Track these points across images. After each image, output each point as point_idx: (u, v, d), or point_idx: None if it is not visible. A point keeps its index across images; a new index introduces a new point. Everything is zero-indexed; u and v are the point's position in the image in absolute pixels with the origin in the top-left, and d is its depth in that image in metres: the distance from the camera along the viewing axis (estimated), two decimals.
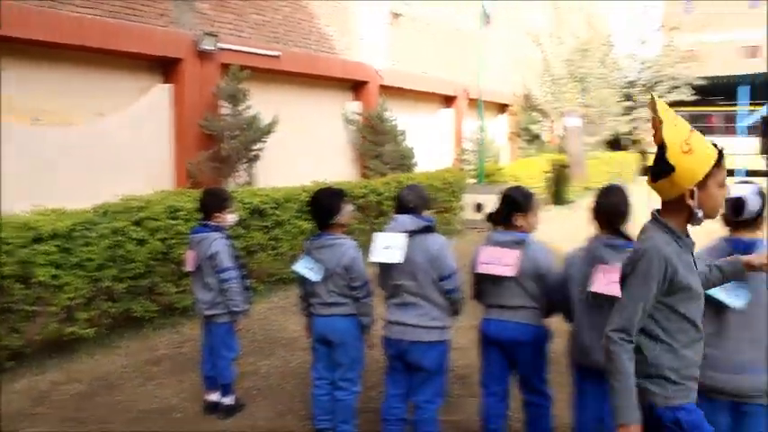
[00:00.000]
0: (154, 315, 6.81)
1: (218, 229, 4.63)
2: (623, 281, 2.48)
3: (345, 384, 4.07)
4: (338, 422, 4.09)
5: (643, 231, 2.49)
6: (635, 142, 27.39)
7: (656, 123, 2.41)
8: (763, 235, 3.08)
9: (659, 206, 2.49)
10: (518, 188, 3.92)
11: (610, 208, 3.39)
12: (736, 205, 3.02)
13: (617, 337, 2.37)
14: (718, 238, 3.15)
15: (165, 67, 10.12)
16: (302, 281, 4.10)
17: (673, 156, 2.35)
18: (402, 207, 3.83)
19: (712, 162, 2.38)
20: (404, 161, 13.87)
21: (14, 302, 5.55)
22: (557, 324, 3.85)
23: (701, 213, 2.39)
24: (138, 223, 6.52)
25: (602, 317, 3.29)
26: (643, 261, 2.37)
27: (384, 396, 4.01)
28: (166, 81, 10.13)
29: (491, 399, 3.83)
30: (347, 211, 4.08)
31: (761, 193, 3.05)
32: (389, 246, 3.68)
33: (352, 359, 4.05)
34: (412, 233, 3.70)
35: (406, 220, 3.75)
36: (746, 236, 3.03)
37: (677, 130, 2.39)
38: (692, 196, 2.36)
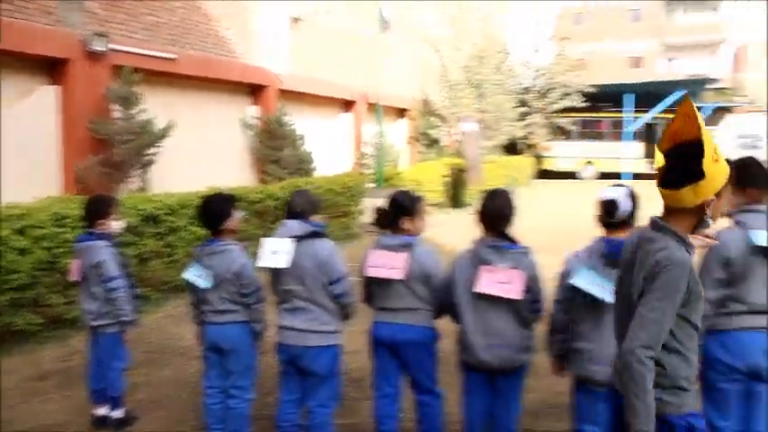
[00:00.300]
0: (39, 328, 6.52)
1: (103, 236, 4.48)
2: (641, 295, 2.35)
3: (238, 392, 4.04)
4: (231, 431, 4.05)
5: (652, 241, 2.38)
6: (530, 147, 28.42)
7: (691, 126, 2.32)
8: None
9: (659, 213, 2.44)
10: (405, 192, 4.00)
11: (494, 211, 3.49)
12: (610, 207, 3.19)
13: (643, 356, 2.25)
14: (595, 239, 3.32)
15: (51, 68, 9.72)
16: (193, 288, 4.03)
17: (707, 164, 2.26)
18: (291, 212, 3.84)
19: (728, 173, 2.37)
20: (302, 166, 13.83)
21: None
22: (446, 325, 3.93)
23: (711, 222, 2.39)
24: (20, 231, 6.22)
25: (486, 317, 3.42)
26: (666, 274, 2.28)
27: (278, 402, 4.01)
28: (53, 82, 9.72)
29: (383, 400, 3.89)
30: (237, 217, 4.05)
31: (632, 195, 3.23)
32: (276, 251, 3.69)
33: (244, 366, 4.02)
34: (300, 238, 3.71)
35: (294, 225, 3.77)
36: (620, 236, 3.19)
37: (709, 137, 2.30)
38: (708, 205, 2.33)
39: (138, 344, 6.33)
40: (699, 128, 2.29)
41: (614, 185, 3.31)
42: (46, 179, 9.36)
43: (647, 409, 2.25)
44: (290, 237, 3.72)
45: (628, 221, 3.22)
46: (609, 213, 3.20)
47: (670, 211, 2.40)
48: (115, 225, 4.60)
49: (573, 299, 3.33)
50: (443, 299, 3.71)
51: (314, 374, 3.80)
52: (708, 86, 33.36)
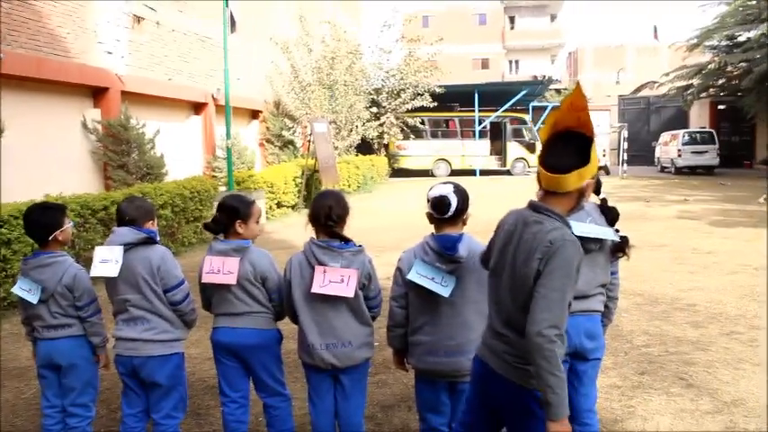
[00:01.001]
0: None
1: None
2: (537, 278, 2.41)
3: (78, 410, 3.84)
4: None
5: (538, 223, 2.46)
6: (384, 146, 29.00)
7: (579, 111, 2.44)
8: (463, 230, 3.42)
9: (536, 198, 2.54)
10: (236, 195, 3.95)
11: (325, 212, 3.49)
12: (440, 204, 3.32)
13: (552, 334, 2.31)
14: (427, 236, 3.45)
15: None
16: (23, 304, 3.81)
17: (592, 149, 2.42)
18: (121, 220, 3.72)
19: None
20: (152, 170, 13.37)
21: None
22: (288, 325, 3.94)
23: (584, 203, 2.53)
24: None
25: (324, 317, 3.47)
26: (564, 252, 2.37)
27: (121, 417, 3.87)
28: None
29: (231, 406, 3.85)
30: (68, 227, 3.84)
31: (460, 191, 3.37)
32: (106, 259, 3.57)
33: (84, 383, 3.83)
34: (131, 245, 3.60)
35: (125, 233, 3.65)
36: (451, 231, 3.34)
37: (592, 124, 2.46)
38: (587, 188, 2.48)
39: None
40: (586, 116, 2.43)
41: (443, 183, 3.43)
42: None
43: (563, 386, 2.32)
44: (121, 244, 3.60)
45: (458, 216, 3.35)
46: (439, 210, 3.32)
47: (550, 194, 2.49)
48: None
49: (408, 294, 3.45)
50: (280, 300, 3.73)
51: (157, 385, 3.69)
52: (551, 87, 35.50)
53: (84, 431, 3.88)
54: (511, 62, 55.00)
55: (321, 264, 3.43)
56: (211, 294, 3.81)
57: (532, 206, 2.52)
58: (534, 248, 2.42)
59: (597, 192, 3.47)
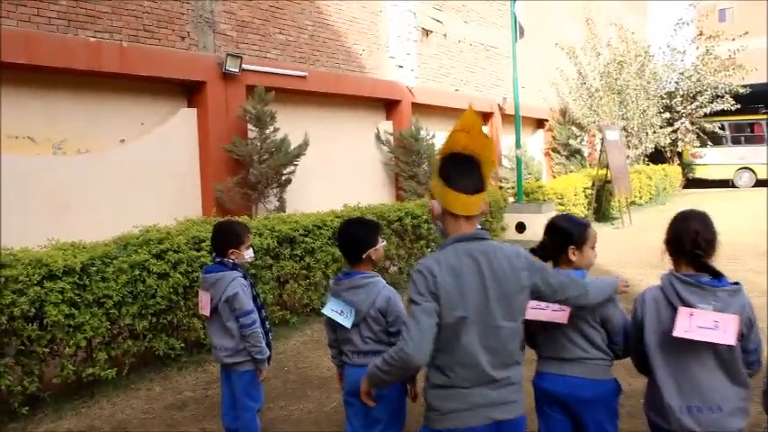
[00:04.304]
0: (179, 353, 6.34)
1: (235, 267, 4.07)
2: (537, 285, 2.59)
3: None
4: None
5: (499, 247, 2.52)
6: (678, 154, 26.54)
7: (480, 136, 2.57)
8: None
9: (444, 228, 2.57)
10: (568, 217, 3.31)
11: (689, 238, 2.79)
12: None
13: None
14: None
15: (188, 91, 9.78)
16: (332, 326, 3.53)
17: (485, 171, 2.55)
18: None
19: None
20: None
21: (28, 344, 5.14)
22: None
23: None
24: (158, 256, 6.07)
25: (686, 371, 2.72)
26: (537, 261, 2.67)
27: None
28: (190, 105, 9.78)
29: None
30: (381, 247, 3.51)
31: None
32: None
33: (391, 415, 3.38)
34: None
35: None
36: None
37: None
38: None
39: (275, 372, 6.02)
40: (477, 137, 2.54)
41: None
42: (186, 201, 9.39)
43: None
44: None
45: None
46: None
47: (467, 218, 2.50)
48: (247, 254, 4.18)
49: None
50: (626, 345, 3.05)
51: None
52: None
53: None
54: None
55: (687, 304, 2.69)
56: (536, 332, 3.23)
57: (475, 237, 2.49)
58: (515, 267, 2.47)
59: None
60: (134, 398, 5.64)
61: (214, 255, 4.20)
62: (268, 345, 4.11)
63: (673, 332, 2.66)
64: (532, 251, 3.15)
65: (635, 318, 2.93)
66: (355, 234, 3.45)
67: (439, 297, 2.39)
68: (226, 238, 4.13)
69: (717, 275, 2.72)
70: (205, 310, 4.09)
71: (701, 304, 2.65)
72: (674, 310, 2.70)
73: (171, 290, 6.12)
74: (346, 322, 3.38)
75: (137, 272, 5.83)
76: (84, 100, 8.51)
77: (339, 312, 3.41)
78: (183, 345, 6.38)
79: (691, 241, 2.74)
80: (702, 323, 2.61)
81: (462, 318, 2.41)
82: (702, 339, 2.61)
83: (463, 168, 2.49)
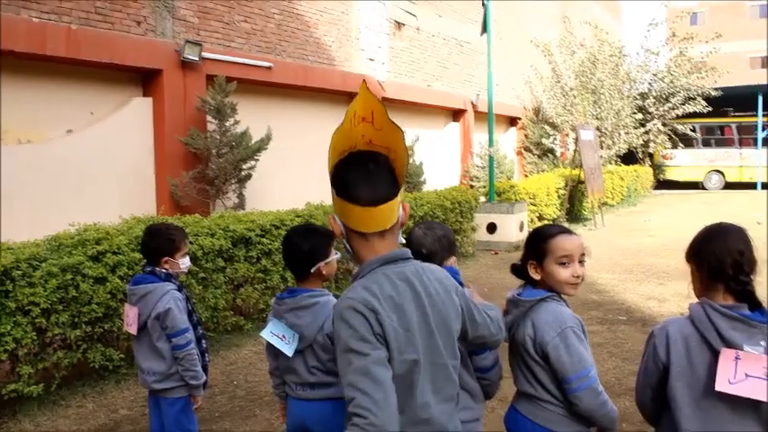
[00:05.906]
0: (118, 364, 5.78)
1: (168, 277, 3.53)
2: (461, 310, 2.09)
3: None
4: None
5: (426, 267, 1.96)
6: (649, 155, 26.38)
7: (386, 124, 1.84)
8: None
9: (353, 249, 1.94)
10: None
11: (733, 258, 2.20)
12: None
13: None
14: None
15: (144, 80, 9.19)
16: (272, 352, 3.00)
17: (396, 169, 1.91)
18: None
19: None
20: (411, 179, 12.93)
21: None
22: None
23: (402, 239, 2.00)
24: (95, 258, 5.51)
25: (722, 428, 2.21)
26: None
27: None
28: (145, 94, 9.19)
29: None
30: (334, 260, 2.96)
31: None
32: None
33: None
34: None
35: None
36: None
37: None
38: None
39: (223, 386, 5.51)
40: (391, 127, 1.85)
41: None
42: (138, 197, 8.81)
43: None
44: None
45: None
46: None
47: (380, 234, 1.88)
48: (183, 263, 3.61)
49: None
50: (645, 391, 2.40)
51: None
52: None
53: None
54: None
55: (730, 345, 2.10)
56: None
57: (401, 257, 1.89)
58: (448, 288, 1.95)
59: None
60: (62, 416, 5.09)
61: (144, 263, 3.67)
62: (204, 368, 3.59)
63: (715, 385, 2.06)
64: (513, 268, 2.67)
65: (656, 360, 2.28)
66: (302, 245, 2.88)
67: (388, 340, 1.77)
68: (158, 243, 3.58)
69: (758, 307, 2.14)
70: (131, 327, 3.55)
71: (748, 345, 2.06)
72: (713, 352, 2.12)
73: (109, 295, 5.56)
74: (287, 350, 2.85)
75: (69, 276, 5.26)
76: (27, 86, 7.89)
77: (280, 337, 2.88)
78: (122, 356, 5.82)
79: (733, 265, 2.15)
80: (752, 371, 2.02)
81: (414, 361, 1.82)
82: (750, 396, 2.01)
83: (365, 172, 1.86)
